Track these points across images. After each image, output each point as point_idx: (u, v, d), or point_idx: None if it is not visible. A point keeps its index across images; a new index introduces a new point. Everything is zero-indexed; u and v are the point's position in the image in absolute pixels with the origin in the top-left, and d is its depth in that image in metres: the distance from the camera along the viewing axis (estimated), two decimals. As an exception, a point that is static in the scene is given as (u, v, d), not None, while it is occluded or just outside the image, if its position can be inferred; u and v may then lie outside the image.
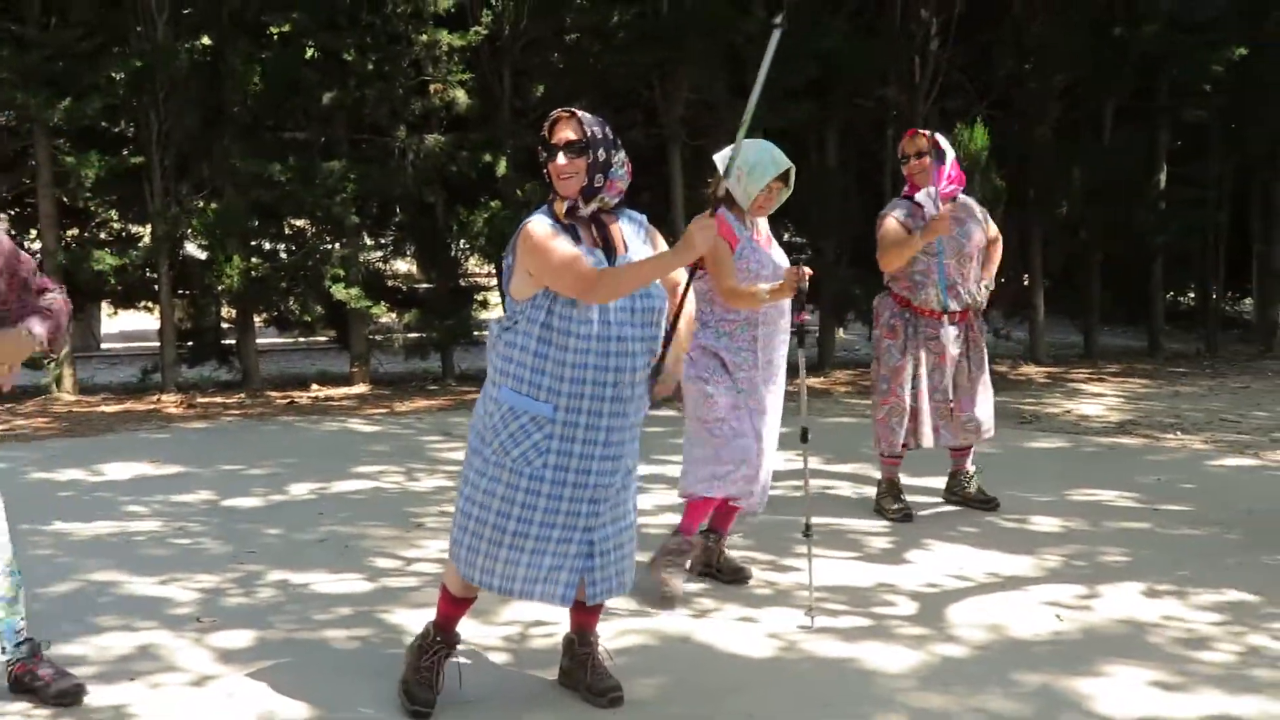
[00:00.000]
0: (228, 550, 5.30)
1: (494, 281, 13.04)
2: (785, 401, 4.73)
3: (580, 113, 3.33)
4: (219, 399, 10.55)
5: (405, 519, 5.90)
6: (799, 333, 4.53)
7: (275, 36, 10.90)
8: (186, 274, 11.63)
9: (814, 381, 11.00)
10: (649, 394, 3.43)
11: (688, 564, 4.61)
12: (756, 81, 3.22)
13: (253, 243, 11.35)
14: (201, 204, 11.00)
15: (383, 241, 12.99)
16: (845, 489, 6.50)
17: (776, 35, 3.16)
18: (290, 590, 4.70)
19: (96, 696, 3.59)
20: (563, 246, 3.26)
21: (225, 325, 12.19)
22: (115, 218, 12.64)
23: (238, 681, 3.73)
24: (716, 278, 4.41)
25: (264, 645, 4.07)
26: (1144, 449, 7.65)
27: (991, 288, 5.83)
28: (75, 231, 12.26)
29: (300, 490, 6.60)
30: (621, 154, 3.37)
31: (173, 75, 10.50)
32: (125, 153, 10.90)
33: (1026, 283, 13.19)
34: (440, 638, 3.56)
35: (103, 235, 12.34)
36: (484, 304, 13.10)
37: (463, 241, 11.59)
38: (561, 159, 3.29)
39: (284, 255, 11.82)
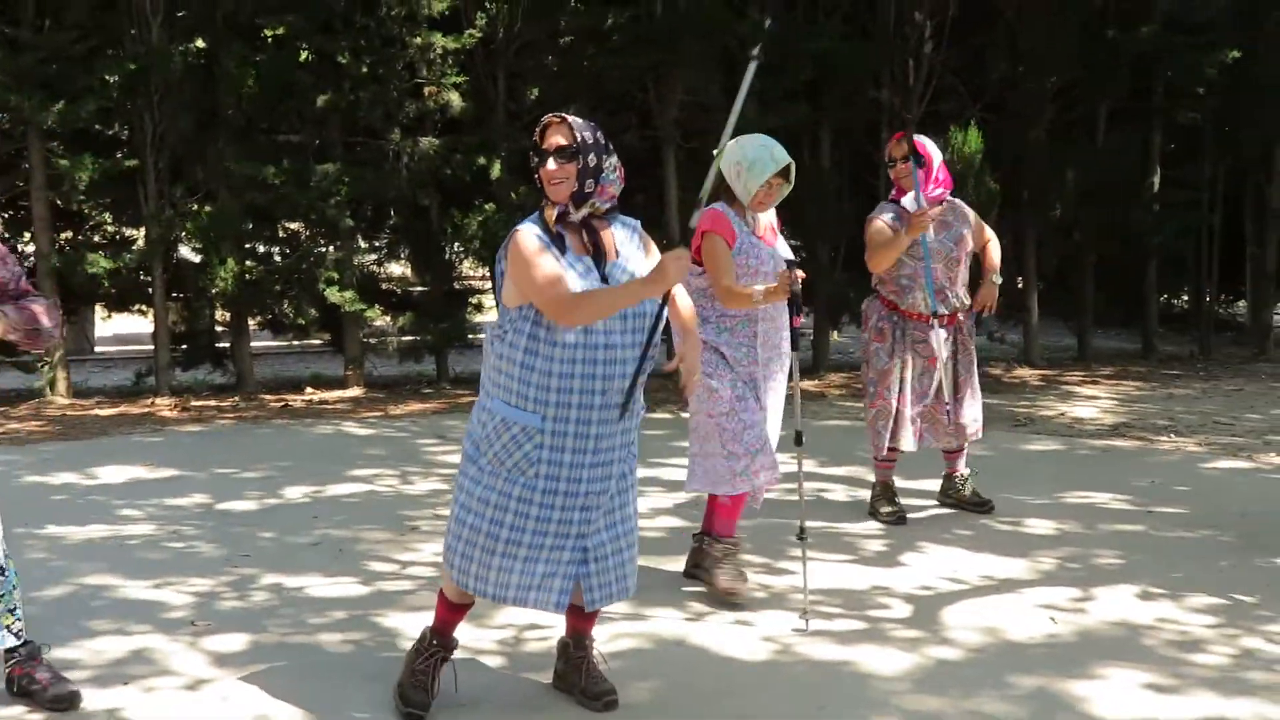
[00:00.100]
0: (222, 554, 5.30)
1: (488, 285, 13.02)
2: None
3: (571, 118, 3.31)
4: (213, 402, 10.54)
5: (400, 522, 5.89)
6: (793, 337, 4.54)
7: (270, 39, 10.87)
8: (180, 277, 11.62)
9: (808, 384, 11.00)
10: (647, 400, 3.43)
11: (738, 560, 4.60)
12: (733, 111, 3.21)
13: (247, 246, 11.36)
14: (196, 207, 10.99)
15: (377, 244, 12.95)
16: (839, 492, 6.50)
17: (753, 67, 3.17)
18: (285, 594, 4.70)
19: (91, 700, 3.59)
20: (547, 265, 3.24)
21: (219, 328, 12.17)
22: (109, 221, 12.59)
23: (232, 685, 3.73)
24: (714, 276, 4.42)
25: (258, 649, 4.07)
26: (1138, 452, 7.66)
27: (999, 281, 5.79)
28: (69, 234, 12.24)
29: (295, 493, 6.59)
30: (614, 159, 3.35)
31: (167, 78, 10.51)
32: (119, 155, 10.91)
33: (1020, 285, 13.19)
34: (437, 642, 3.56)
35: (97, 238, 12.30)
36: (478, 307, 13.07)
37: (457, 244, 11.55)
38: (552, 164, 3.28)
39: (278, 258, 11.82)
